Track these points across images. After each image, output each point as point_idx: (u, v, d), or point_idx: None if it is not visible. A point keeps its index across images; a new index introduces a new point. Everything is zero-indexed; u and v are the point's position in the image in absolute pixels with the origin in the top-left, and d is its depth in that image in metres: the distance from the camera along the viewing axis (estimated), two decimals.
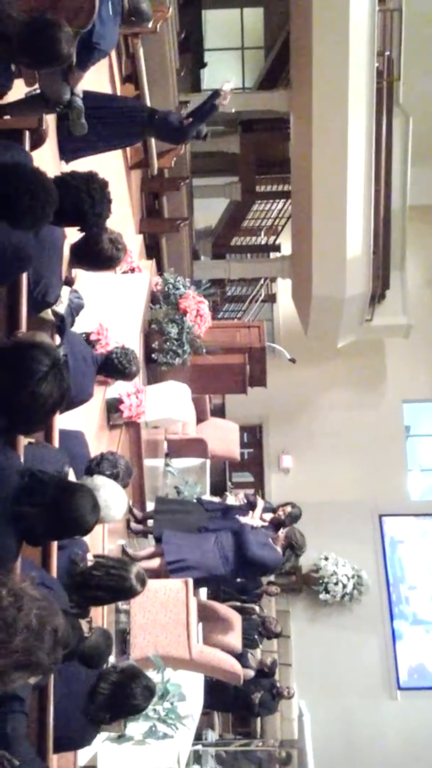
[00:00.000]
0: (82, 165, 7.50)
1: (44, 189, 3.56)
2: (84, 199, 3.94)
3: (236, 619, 9.40)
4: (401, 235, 16.26)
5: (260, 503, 8.98)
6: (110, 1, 6.11)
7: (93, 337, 6.56)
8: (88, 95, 6.70)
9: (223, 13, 19.07)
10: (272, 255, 18.81)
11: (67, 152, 7.18)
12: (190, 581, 7.79)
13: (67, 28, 4.48)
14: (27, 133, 4.32)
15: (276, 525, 8.61)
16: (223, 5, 18.66)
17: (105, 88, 9.23)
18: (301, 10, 13.95)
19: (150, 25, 7.71)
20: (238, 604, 11.11)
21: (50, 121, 4.40)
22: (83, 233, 4.43)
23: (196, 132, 8.16)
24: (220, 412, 15.39)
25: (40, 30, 4.36)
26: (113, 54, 8.88)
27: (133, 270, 9.40)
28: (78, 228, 4.27)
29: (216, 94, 8.03)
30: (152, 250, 12.35)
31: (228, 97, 8.06)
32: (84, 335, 6.23)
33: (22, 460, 3.66)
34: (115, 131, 7.64)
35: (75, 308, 5.03)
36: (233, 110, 15.84)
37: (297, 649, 15.64)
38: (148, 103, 10.13)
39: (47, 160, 6.33)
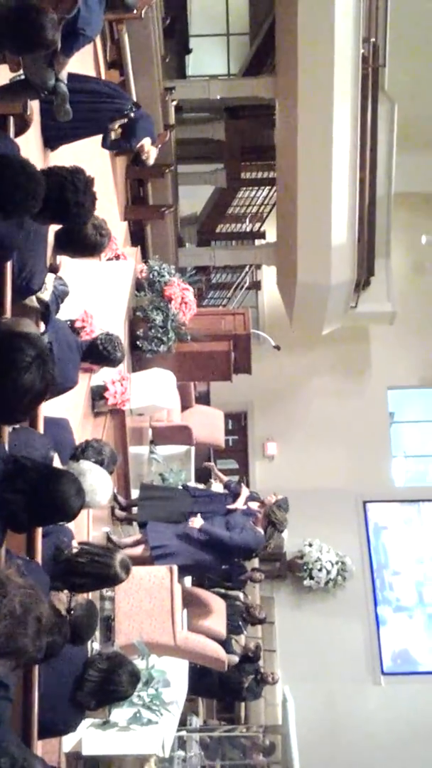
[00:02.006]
0: (68, 150, 7.48)
1: (32, 178, 3.56)
2: (68, 188, 3.93)
3: (221, 605, 9.44)
4: (386, 222, 16.26)
5: (245, 491, 9.01)
6: None
7: (78, 324, 6.54)
8: (70, 77, 6.69)
9: None
10: (257, 242, 18.80)
11: (51, 139, 7.15)
12: (175, 568, 7.82)
13: (52, 13, 4.47)
14: (11, 119, 4.31)
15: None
16: None
17: (89, 74, 9.18)
18: None
19: (135, 11, 7.68)
20: (223, 590, 11.13)
21: (35, 107, 4.38)
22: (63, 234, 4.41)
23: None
24: (204, 399, 15.39)
25: (25, 16, 4.35)
26: (98, 40, 8.84)
27: (117, 257, 9.37)
28: (60, 222, 4.24)
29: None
30: (137, 237, 12.32)
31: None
32: (69, 322, 6.21)
33: (6, 446, 3.66)
34: (97, 121, 7.66)
35: (59, 295, 5.02)
36: (218, 97, 15.82)
37: (281, 635, 15.69)
38: (133, 89, 10.12)
39: (32, 146, 6.31)
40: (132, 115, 7.89)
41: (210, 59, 19.65)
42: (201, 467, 12.19)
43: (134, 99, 9.02)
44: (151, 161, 8.67)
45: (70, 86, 6.37)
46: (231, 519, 8.47)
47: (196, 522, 8.18)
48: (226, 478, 10.53)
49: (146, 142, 8.48)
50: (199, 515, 8.31)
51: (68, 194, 3.94)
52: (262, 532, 8.53)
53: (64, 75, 6.17)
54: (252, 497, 8.99)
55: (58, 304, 5.06)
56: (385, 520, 17.60)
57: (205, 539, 8.22)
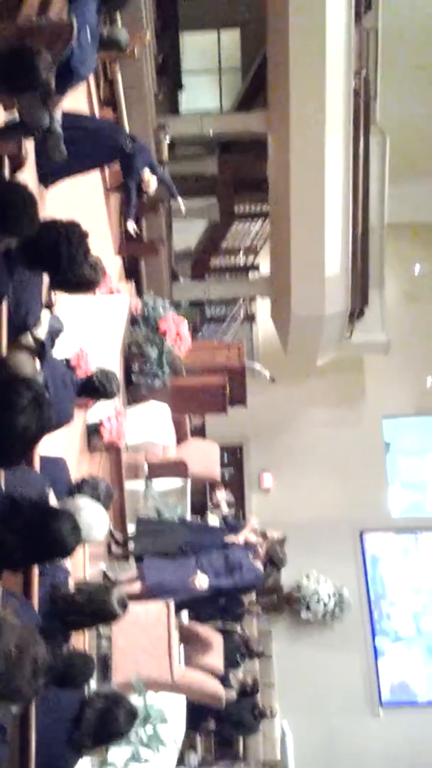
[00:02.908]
0: (63, 185, 7.54)
1: (29, 199, 3.61)
2: (62, 241, 3.96)
3: (218, 640, 9.39)
4: (379, 253, 16.33)
5: (249, 524, 8.99)
6: (88, 27, 6.15)
7: (73, 362, 6.55)
8: (65, 115, 6.76)
9: (200, 35, 19.19)
10: (251, 275, 18.87)
11: (46, 176, 7.21)
12: (172, 604, 7.79)
13: (46, 54, 4.51)
14: (6, 158, 4.35)
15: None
16: (200, 28, 18.78)
17: (83, 113, 9.26)
18: (278, 32, 14.05)
19: (128, 50, 7.76)
20: (220, 624, 11.08)
21: (29, 147, 4.42)
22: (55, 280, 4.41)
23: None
24: (200, 432, 15.39)
25: (19, 57, 4.40)
26: (91, 78, 8.92)
27: (112, 292, 9.40)
28: (52, 272, 4.25)
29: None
30: (132, 272, 12.36)
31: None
32: (64, 359, 6.23)
33: (2, 484, 3.66)
34: (92, 156, 7.74)
35: (54, 332, 5.05)
36: (211, 132, 15.94)
37: (279, 669, 15.60)
38: (127, 127, 10.19)
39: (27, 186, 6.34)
40: (129, 150, 7.99)
41: (202, 95, 19.80)
42: (196, 500, 12.15)
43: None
44: (152, 190, 8.71)
45: (65, 124, 6.45)
46: (230, 554, 8.44)
47: (203, 581, 8.13)
48: (227, 510, 10.49)
49: (146, 172, 8.53)
50: (201, 573, 8.24)
51: (62, 248, 3.97)
52: (261, 568, 8.51)
53: (58, 114, 6.22)
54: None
55: (53, 341, 5.08)
56: (382, 551, 17.55)
57: (209, 574, 8.21)
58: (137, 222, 11.45)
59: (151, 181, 8.57)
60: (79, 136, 7.28)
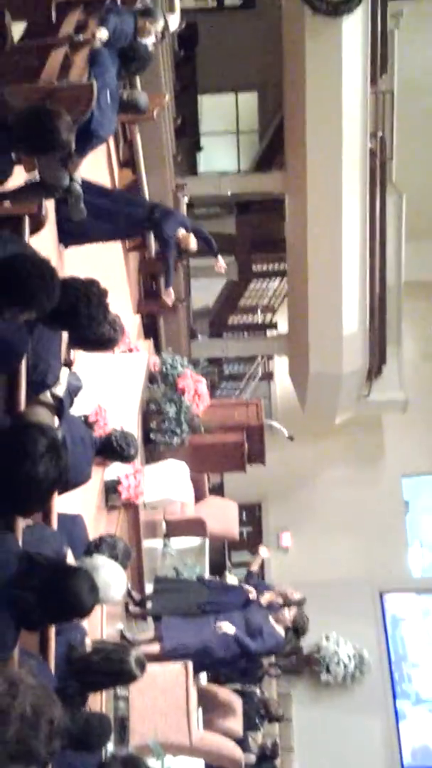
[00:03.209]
0: (82, 247, 7.63)
1: (49, 277, 3.62)
2: (81, 300, 3.98)
3: (237, 702, 9.27)
4: (397, 311, 16.37)
5: (276, 589, 8.91)
6: (108, 90, 6.27)
7: (91, 419, 6.57)
8: (89, 188, 6.89)
9: (218, 98, 19.50)
10: (269, 333, 18.94)
11: (66, 239, 7.32)
12: (190, 665, 7.69)
13: (66, 116, 4.58)
14: (27, 218, 4.39)
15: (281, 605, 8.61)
16: (218, 90, 19.09)
17: (103, 174, 9.40)
18: (294, 94, 14.26)
19: (147, 112, 7.88)
20: (239, 686, 10.93)
21: (49, 207, 4.46)
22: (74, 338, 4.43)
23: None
24: (218, 490, 15.33)
25: (40, 119, 4.46)
26: (111, 140, 9.05)
27: (131, 350, 9.44)
28: (71, 331, 4.27)
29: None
30: (150, 330, 12.43)
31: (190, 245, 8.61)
32: (83, 417, 6.24)
33: (20, 542, 3.64)
34: (114, 228, 7.89)
35: (73, 390, 5.06)
36: (229, 192, 16.11)
37: (299, 732, 15.34)
38: (146, 187, 10.31)
39: (47, 245, 6.42)
40: (154, 220, 8.12)
41: (220, 156, 20.07)
42: (215, 559, 12.07)
43: (149, 200, 9.26)
44: (193, 247, 8.75)
45: (86, 197, 6.56)
46: (251, 616, 8.35)
47: (227, 627, 8.05)
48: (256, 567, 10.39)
49: (181, 232, 8.57)
50: (227, 623, 8.17)
51: (81, 307, 3.98)
52: (282, 633, 8.43)
53: (77, 175, 6.31)
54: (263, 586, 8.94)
55: (71, 399, 5.09)
56: (402, 612, 17.32)
57: (227, 639, 8.12)
58: (155, 280, 11.58)
59: (189, 239, 8.60)
60: (99, 211, 7.43)
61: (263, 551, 10.16)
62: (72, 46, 5.75)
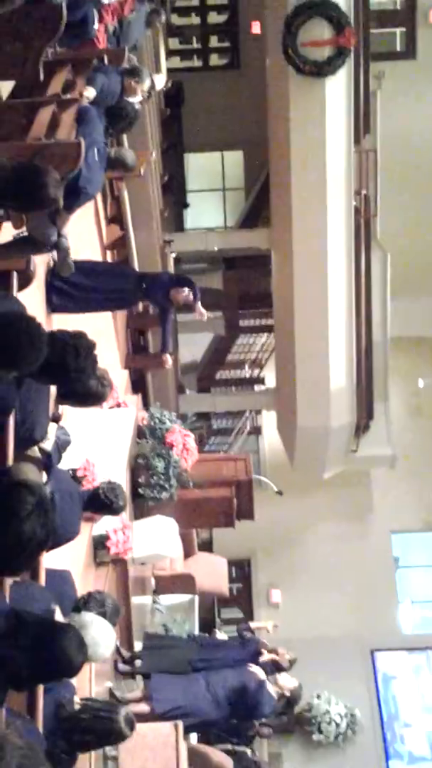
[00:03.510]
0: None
1: (36, 337, 3.62)
2: (69, 353, 3.98)
3: (228, 763, 9.13)
4: (383, 366, 16.43)
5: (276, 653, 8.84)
6: (96, 148, 6.33)
7: (80, 473, 6.54)
8: (79, 268, 7.09)
9: (204, 156, 19.76)
10: (257, 388, 18.97)
11: (58, 309, 7.42)
12: (180, 725, 7.57)
13: (55, 173, 4.62)
14: (15, 274, 4.40)
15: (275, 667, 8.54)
16: (204, 149, 19.35)
17: (90, 230, 9.48)
18: (279, 152, 14.45)
19: (134, 169, 7.96)
20: (230, 747, 10.75)
21: (38, 262, 4.48)
22: (63, 392, 4.42)
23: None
24: (207, 546, 15.23)
25: (28, 175, 4.50)
26: (98, 196, 9.14)
27: (119, 405, 9.44)
28: (60, 384, 4.27)
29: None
30: (138, 385, 12.44)
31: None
32: (71, 471, 6.21)
33: (7, 600, 3.60)
34: (105, 302, 8.07)
35: (62, 445, 5.04)
36: (216, 248, 16.24)
37: None
38: (133, 243, 10.40)
39: (34, 301, 6.44)
40: (145, 291, 8.28)
41: (207, 213, 20.29)
42: (204, 616, 11.96)
43: (135, 268, 9.44)
44: (188, 298, 8.80)
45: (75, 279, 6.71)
46: (245, 678, 8.26)
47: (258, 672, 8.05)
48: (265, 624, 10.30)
49: (173, 292, 8.69)
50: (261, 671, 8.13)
51: (70, 360, 3.98)
52: (275, 698, 8.36)
53: (65, 231, 6.35)
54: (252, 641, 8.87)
55: (60, 454, 5.07)
56: (393, 670, 17.11)
57: (213, 696, 8.02)
58: (143, 335, 11.65)
59: (181, 295, 8.68)
60: (89, 290, 7.62)
61: (270, 625, 10.08)
62: (60, 105, 5.81)
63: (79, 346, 4.04)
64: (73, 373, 4.03)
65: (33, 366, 3.68)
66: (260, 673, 8.40)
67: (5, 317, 3.62)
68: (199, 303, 8.95)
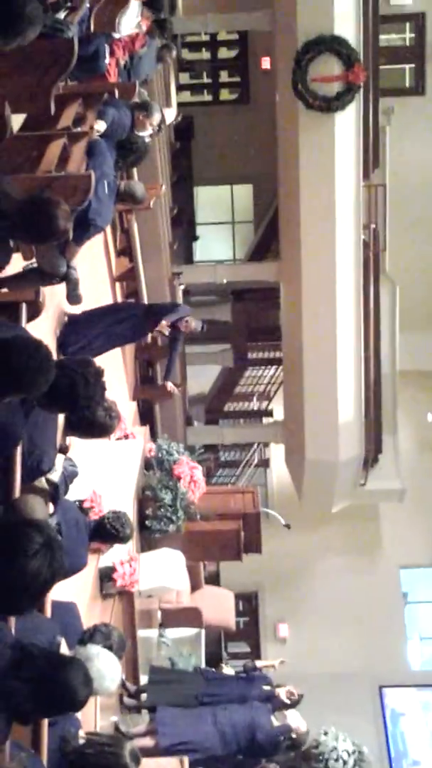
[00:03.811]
0: None
1: (43, 362, 3.62)
2: (78, 381, 3.99)
3: None
4: (392, 400, 16.42)
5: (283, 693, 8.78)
6: (106, 181, 6.38)
7: (86, 505, 6.52)
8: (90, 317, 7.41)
9: (214, 189, 19.88)
10: (265, 420, 18.93)
11: (66, 347, 7.48)
12: (186, 760, 7.49)
13: (65, 205, 4.64)
14: (24, 305, 4.42)
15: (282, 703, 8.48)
16: (214, 182, 19.47)
17: (100, 262, 9.52)
18: (289, 186, 14.53)
19: (144, 202, 8.01)
20: None
21: (47, 293, 4.50)
22: (72, 422, 4.44)
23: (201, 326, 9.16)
24: (214, 579, 15.14)
25: (38, 208, 4.52)
26: (108, 228, 9.18)
27: (126, 436, 9.43)
28: (69, 412, 4.28)
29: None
30: (146, 416, 12.44)
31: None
32: (77, 502, 6.20)
33: (12, 631, 3.57)
34: (117, 341, 8.20)
35: (69, 476, 5.03)
36: (225, 281, 16.29)
37: None
38: (142, 275, 10.44)
39: (43, 332, 6.45)
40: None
41: (216, 245, 20.38)
42: (211, 650, 11.88)
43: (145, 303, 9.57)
44: (196, 327, 9.02)
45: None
46: (254, 714, 8.20)
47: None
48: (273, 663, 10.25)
49: (190, 320, 8.84)
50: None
51: (78, 388, 3.99)
52: (282, 735, 8.31)
53: (75, 262, 6.39)
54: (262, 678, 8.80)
55: (67, 485, 5.06)
56: (402, 706, 16.93)
57: (220, 731, 7.95)
58: (151, 366, 11.69)
59: (191, 323, 8.79)
60: (102, 334, 7.76)
61: (277, 663, 10.02)
62: (70, 138, 5.85)
63: (87, 374, 4.05)
64: (82, 401, 4.04)
65: (41, 390, 3.68)
66: (268, 710, 8.32)
67: (14, 342, 3.63)
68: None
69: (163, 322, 8.65)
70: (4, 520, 3.55)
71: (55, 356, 3.82)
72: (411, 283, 16.49)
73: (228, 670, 10.41)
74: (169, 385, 10.13)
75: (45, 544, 3.12)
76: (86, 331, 7.83)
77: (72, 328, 7.70)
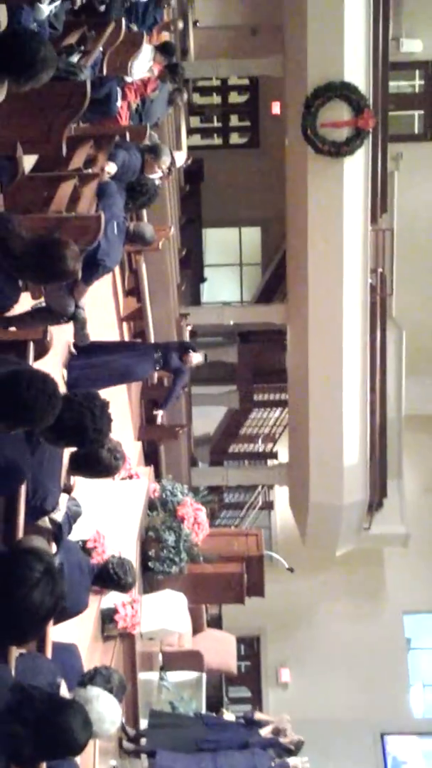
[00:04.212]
0: None
1: (51, 396, 3.63)
2: (86, 415, 4.00)
3: None
4: (397, 444, 16.40)
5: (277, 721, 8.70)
6: (115, 222, 6.42)
7: (90, 545, 6.49)
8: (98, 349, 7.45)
9: (222, 231, 20.00)
10: (269, 462, 18.91)
11: (74, 385, 7.51)
12: None
13: (74, 246, 4.66)
14: (31, 344, 4.42)
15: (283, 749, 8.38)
16: (222, 225, 19.59)
17: (108, 302, 9.57)
18: (297, 230, 14.62)
19: (152, 243, 8.05)
20: None
21: (54, 333, 4.51)
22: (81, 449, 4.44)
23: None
24: (216, 622, 15.04)
25: (48, 248, 4.55)
26: (117, 269, 9.24)
27: (131, 477, 9.41)
28: (78, 446, 4.29)
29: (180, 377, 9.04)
30: (151, 457, 12.42)
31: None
32: (80, 542, 6.17)
33: (13, 672, 3.54)
34: (124, 377, 8.25)
35: (72, 516, 5.00)
36: (231, 322, 16.35)
37: None
38: (150, 315, 10.48)
39: (50, 370, 6.46)
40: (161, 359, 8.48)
41: (224, 287, 20.49)
42: (212, 695, 11.77)
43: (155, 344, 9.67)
44: (200, 361, 9.20)
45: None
46: (258, 764, 8.10)
47: None
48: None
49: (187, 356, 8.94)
50: None
51: (86, 421, 3.99)
52: None
53: (83, 302, 6.41)
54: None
55: (70, 525, 5.03)
56: (404, 754, 16.76)
57: None
58: (157, 406, 11.70)
59: (192, 358, 8.86)
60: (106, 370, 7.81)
61: (278, 719, 9.93)
62: (81, 179, 5.90)
63: (94, 407, 4.05)
64: (91, 433, 4.04)
65: (48, 423, 3.69)
66: (269, 757, 8.22)
67: (22, 374, 3.64)
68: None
69: (192, 353, 8.81)
70: (4, 551, 3.53)
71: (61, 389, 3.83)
72: (417, 328, 16.54)
73: (229, 715, 10.32)
74: (160, 414, 10.18)
75: (45, 571, 3.11)
76: (92, 360, 7.85)
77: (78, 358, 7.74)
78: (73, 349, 7.81)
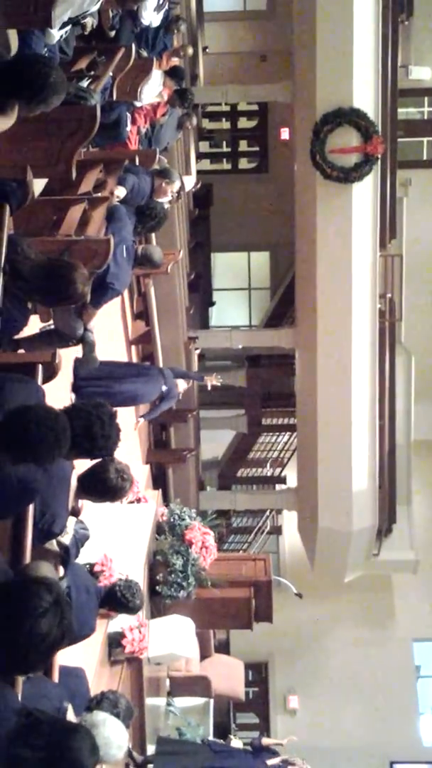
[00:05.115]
0: None
1: (57, 429, 3.63)
2: (94, 422, 4.00)
3: None
4: (407, 470, 16.34)
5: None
6: (124, 245, 6.44)
7: (97, 569, 6.47)
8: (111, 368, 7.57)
9: (231, 255, 20.06)
10: (278, 487, 18.85)
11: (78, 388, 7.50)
12: None
13: (83, 269, 4.68)
14: (40, 366, 4.42)
15: None
16: (231, 249, 19.66)
17: (116, 325, 9.59)
18: (306, 255, 14.65)
19: (161, 267, 8.09)
20: None
21: (63, 355, 4.52)
22: (92, 459, 4.44)
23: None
24: (224, 647, 14.96)
25: (57, 271, 4.57)
26: (126, 292, 9.26)
27: (139, 500, 9.39)
28: (88, 456, 4.29)
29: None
30: (159, 480, 12.40)
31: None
32: (88, 566, 6.14)
33: (19, 697, 3.51)
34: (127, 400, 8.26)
35: (80, 539, 4.99)
36: (240, 346, 16.36)
37: None
38: (158, 339, 10.50)
39: (59, 392, 6.47)
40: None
41: (232, 311, 20.52)
42: (219, 721, 11.69)
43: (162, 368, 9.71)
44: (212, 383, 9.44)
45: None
46: None
47: None
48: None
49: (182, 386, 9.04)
50: None
51: (95, 429, 3.99)
52: None
53: (92, 325, 6.42)
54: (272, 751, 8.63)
55: (78, 548, 5.02)
56: None
57: None
58: (165, 429, 11.70)
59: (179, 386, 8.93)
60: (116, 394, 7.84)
61: (285, 741, 9.85)
62: (91, 203, 5.93)
63: (102, 415, 4.05)
64: (100, 440, 4.04)
65: (54, 460, 3.69)
66: None
67: (34, 412, 3.64)
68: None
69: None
70: (13, 579, 3.52)
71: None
72: (426, 353, 16.54)
73: (236, 742, 10.23)
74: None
75: (54, 602, 3.09)
76: (101, 384, 7.89)
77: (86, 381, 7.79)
78: (78, 371, 7.81)
